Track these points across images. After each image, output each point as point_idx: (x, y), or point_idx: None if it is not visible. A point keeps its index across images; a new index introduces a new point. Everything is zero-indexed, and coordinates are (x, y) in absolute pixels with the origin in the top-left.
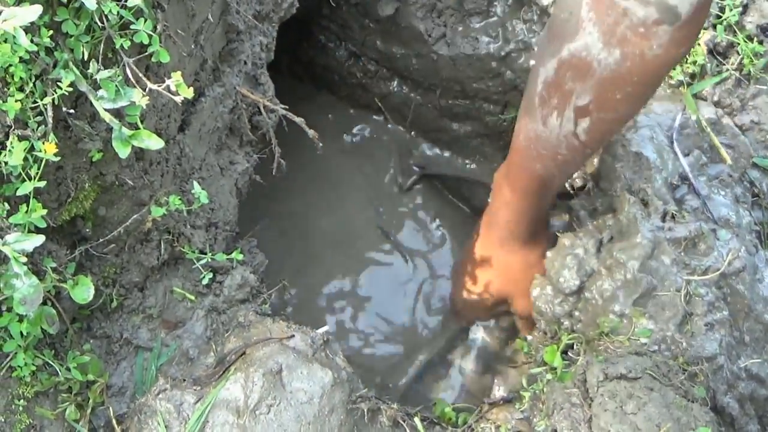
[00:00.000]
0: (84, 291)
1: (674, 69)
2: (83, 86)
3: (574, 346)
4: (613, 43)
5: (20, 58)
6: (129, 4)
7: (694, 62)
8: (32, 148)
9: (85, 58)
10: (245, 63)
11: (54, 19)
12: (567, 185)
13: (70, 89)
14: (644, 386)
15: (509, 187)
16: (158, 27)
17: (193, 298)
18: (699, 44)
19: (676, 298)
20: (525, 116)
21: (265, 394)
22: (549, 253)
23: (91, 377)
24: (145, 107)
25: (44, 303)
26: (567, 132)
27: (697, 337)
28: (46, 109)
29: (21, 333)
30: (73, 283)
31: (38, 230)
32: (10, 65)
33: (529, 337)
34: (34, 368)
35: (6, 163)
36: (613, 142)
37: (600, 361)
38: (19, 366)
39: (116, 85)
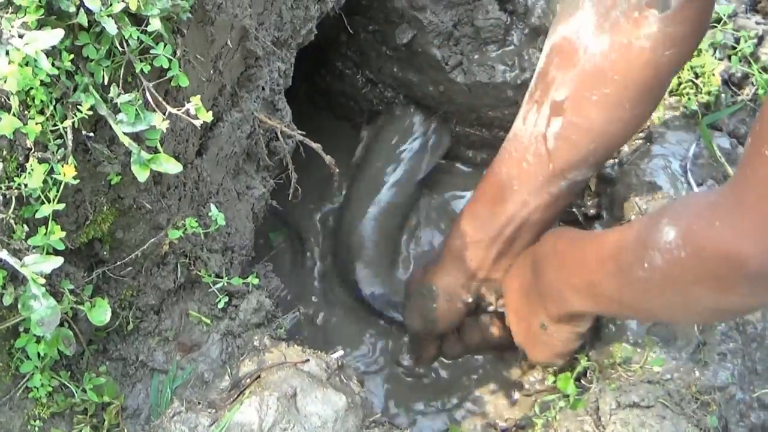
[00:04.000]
0: (101, 313)
1: (683, 98)
2: (103, 110)
3: (587, 374)
4: (605, 28)
5: (41, 81)
6: (149, 29)
7: (709, 92)
8: (52, 171)
9: (106, 82)
10: (263, 89)
11: (75, 43)
12: (580, 214)
13: (90, 113)
14: (657, 415)
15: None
16: (178, 52)
17: (208, 321)
18: (714, 74)
19: (690, 327)
20: (519, 112)
21: (280, 418)
22: None
23: (106, 399)
24: (164, 131)
25: (61, 324)
26: (538, 133)
27: (710, 367)
28: (66, 133)
29: (38, 354)
30: (91, 305)
31: (56, 252)
32: (31, 88)
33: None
34: (50, 389)
35: (26, 186)
36: (626, 172)
37: (613, 389)
38: (35, 387)
39: (136, 109)
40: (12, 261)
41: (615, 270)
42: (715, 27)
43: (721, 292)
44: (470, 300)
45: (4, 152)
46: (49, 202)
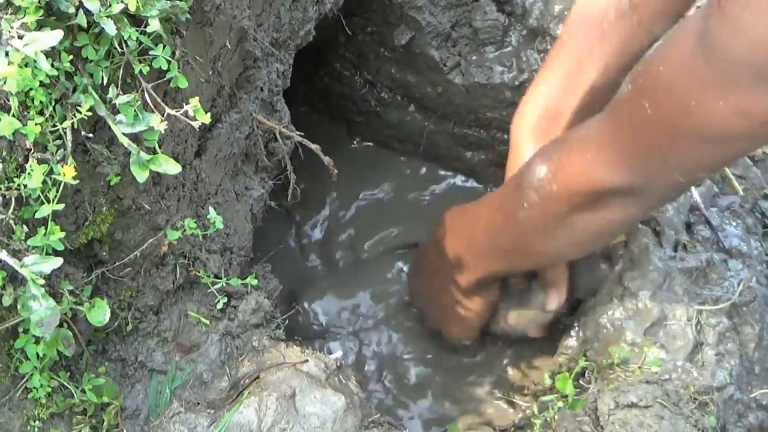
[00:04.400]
0: (100, 314)
1: None
2: (102, 111)
3: (586, 374)
4: None
5: (40, 82)
6: (148, 30)
7: None
8: (51, 172)
9: (105, 82)
10: (262, 90)
11: (74, 44)
12: None
13: (89, 113)
14: (655, 415)
15: None
16: (177, 53)
17: (207, 322)
18: None
19: (687, 327)
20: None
21: (279, 418)
22: None
23: (105, 399)
24: (162, 132)
25: (60, 325)
26: None
27: (708, 367)
28: (65, 133)
29: (37, 354)
30: (90, 306)
31: (56, 253)
32: (31, 89)
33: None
34: (49, 390)
35: (25, 186)
36: None
37: (611, 390)
38: (34, 387)
39: (135, 110)
40: (11, 261)
41: (503, 220)
42: None
43: (593, 215)
44: None
45: (4, 153)
46: (48, 202)
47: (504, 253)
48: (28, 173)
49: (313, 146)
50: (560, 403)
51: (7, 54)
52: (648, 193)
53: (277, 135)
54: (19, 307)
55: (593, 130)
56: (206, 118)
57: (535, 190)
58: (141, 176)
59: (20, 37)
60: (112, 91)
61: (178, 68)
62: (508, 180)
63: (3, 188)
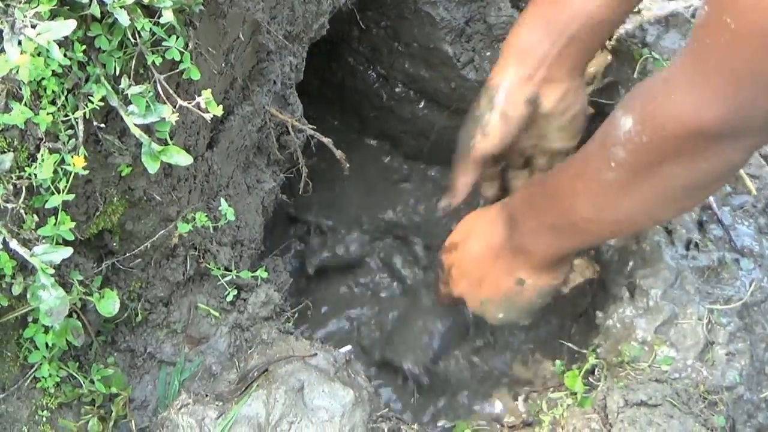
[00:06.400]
0: (110, 304)
1: None
2: (114, 101)
3: (595, 372)
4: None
5: (53, 71)
6: (161, 21)
7: None
8: (62, 161)
9: (117, 73)
10: (274, 83)
11: (87, 34)
12: None
13: (101, 104)
14: (664, 413)
15: None
16: (190, 44)
17: (217, 314)
18: None
19: (698, 326)
20: None
21: (287, 411)
22: None
23: (114, 390)
24: (174, 123)
25: (70, 315)
26: None
27: (718, 366)
28: (77, 123)
29: (46, 344)
30: (99, 297)
31: (66, 243)
32: (43, 78)
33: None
34: (58, 380)
35: (36, 176)
36: None
37: (620, 388)
38: (43, 377)
39: (147, 101)
40: (22, 251)
41: (585, 185)
42: None
43: (690, 164)
44: (530, 98)
45: (16, 142)
46: (59, 192)
47: (586, 224)
48: (40, 163)
49: (325, 140)
50: (569, 400)
51: (20, 43)
52: (747, 129)
53: (290, 128)
54: (28, 296)
55: (676, 68)
56: (218, 111)
57: (623, 146)
58: (152, 167)
59: (33, 27)
60: (124, 82)
61: (191, 60)
62: (589, 143)
63: (14, 177)
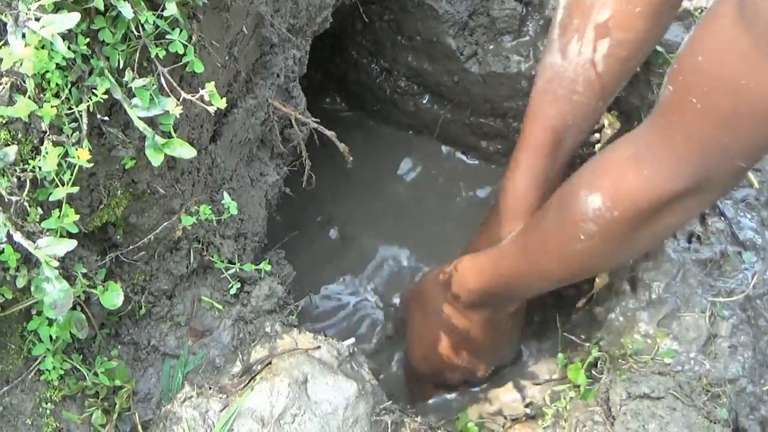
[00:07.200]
0: (113, 297)
1: None
2: (118, 94)
3: (598, 365)
4: None
5: (57, 64)
6: (165, 14)
7: None
8: (66, 154)
9: (121, 66)
10: (278, 76)
11: (91, 27)
12: None
13: (105, 97)
14: (667, 406)
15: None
16: (193, 37)
17: (220, 307)
18: None
19: (701, 319)
20: (545, 56)
21: (290, 404)
22: None
23: (118, 383)
24: (178, 116)
25: (74, 308)
26: (585, 60)
27: (721, 359)
28: (81, 116)
29: (50, 337)
30: (103, 289)
31: (70, 235)
32: (47, 71)
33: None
34: (62, 372)
35: (40, 168)
36: None
37: (623, 380)
38: (47, 369)
39: (150, 94)
40: (26, 243)
41: (549, 259)
42: None
43: (658, 222)
44: None
45: (20, 135)
46: (63, 185)
47: (558, 280)
48: (44, 155)
49: (329, 133)
50: (572, 393)
51: (23, 36)
52: (711, 187)
53: (293, 121)
54: (32, 289)
55: (643, 145)
56: (222, 103)
57: (593, 221)
58: (156, 160)
59: (37, 19)
60: (128, 75)
61: (195, 53)
62: (538, 219)
63: (18, 170)
